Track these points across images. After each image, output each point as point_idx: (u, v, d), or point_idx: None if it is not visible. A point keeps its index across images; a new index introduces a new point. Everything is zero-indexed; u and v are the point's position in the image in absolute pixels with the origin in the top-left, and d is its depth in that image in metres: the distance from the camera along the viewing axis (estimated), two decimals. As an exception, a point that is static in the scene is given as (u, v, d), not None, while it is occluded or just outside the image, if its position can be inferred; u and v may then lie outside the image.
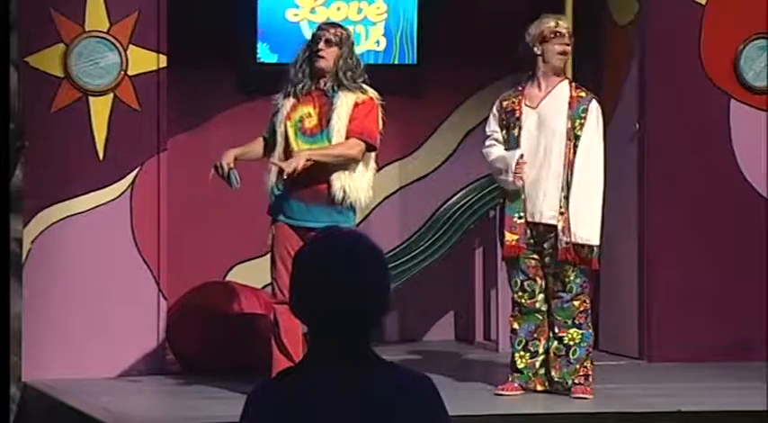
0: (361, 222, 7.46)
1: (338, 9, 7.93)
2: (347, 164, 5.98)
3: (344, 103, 5.96)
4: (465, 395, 6.18)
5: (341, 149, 5.96)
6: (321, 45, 5.97)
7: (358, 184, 6.00)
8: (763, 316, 7.30)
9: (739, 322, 7.31)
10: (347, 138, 5.98)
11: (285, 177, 5.89)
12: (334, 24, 6.24)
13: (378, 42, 7.97)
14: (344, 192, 5.95)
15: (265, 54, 7.72)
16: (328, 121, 5.97)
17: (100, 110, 6.99)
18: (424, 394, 2.49)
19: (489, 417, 5.84)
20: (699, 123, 7.34)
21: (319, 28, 6.16)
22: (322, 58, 5.96)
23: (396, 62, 7.98)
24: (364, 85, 6.04)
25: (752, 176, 7.44)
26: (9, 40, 3.88)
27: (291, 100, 6.03)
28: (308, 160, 5.88)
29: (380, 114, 6.05)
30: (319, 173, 5.99)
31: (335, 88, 5.96)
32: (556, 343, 6.25)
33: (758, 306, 7.33)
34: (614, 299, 7.38)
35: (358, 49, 8.06)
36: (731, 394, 6.38)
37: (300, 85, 6.00)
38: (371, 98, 6.02)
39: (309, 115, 6.00)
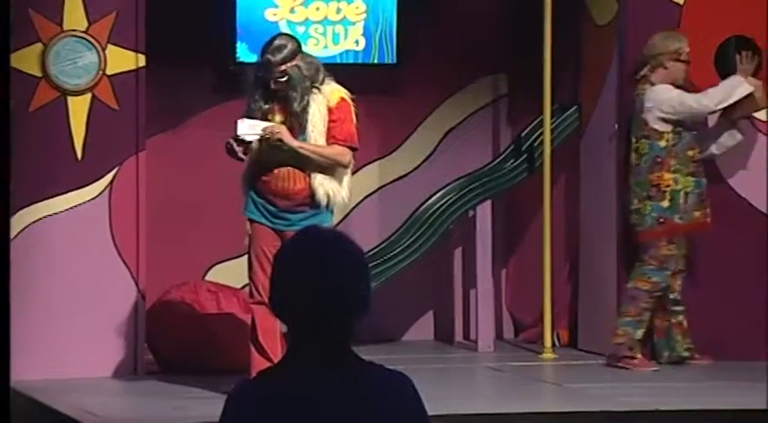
0: (340, 222, 7.45)
1: (317, 9, 7.92)
2: (327, 167, 5.98)
3: (317, 109, 5.95)
4: (444, 394, 6.18)
5: (333, 153, 5.96)
6: (273, 86, 5.94)
7: (339, 187, 6.00)
8: (736, 316, 7.33)
9: (714, 323, 7.33)
10: (330, 144, 5.97)
11: (264, 136, 5.87)
12: (276, 58, 5.91)
13: (357, 42, 7.97)
14: (328, 196, 5.96)
15: (244, 54, 7.71)
16: (303, 129, 5.96)
17: (78, 109, 6.96)
18: (403, 393, 2.49)
19: (468, 416, 5.84)
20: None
21: (264, 67, 5.94)
22: (278, 90, 5.93)
23: (375, 62, 7.98)
24: (330, 85, 6.00)
25: (730, 176, 7.47)
26: (9, 40, 3.87)
27: (261, 112, 6.01)
28: (300, 148, 5.89)
29: (354, 111, 6.04)
30: (297, 174, 5.98)
31: (302, 98, 5.94)
32: None
33: (731, 307, 7.36)
34: (594, 298, 7.39)
35: (337, 49, 8.09)
36: (708, 393, 6.40)
37: (266, 107, 5.98)
38: (343, 98, 6.01)
39: (282, 123, 5.99)
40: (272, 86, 5.94)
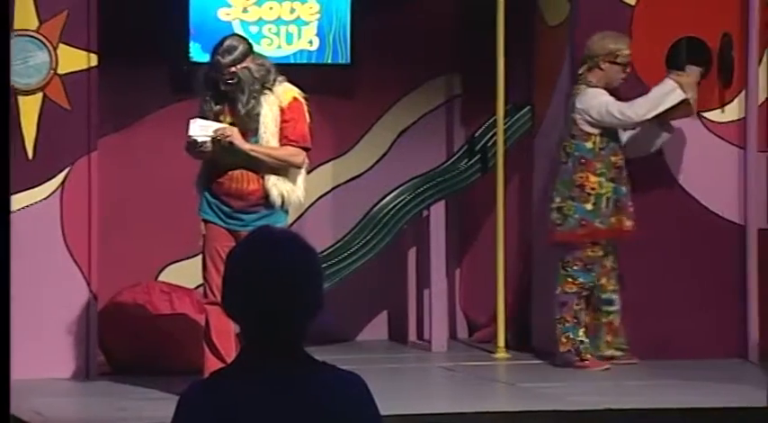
0: (294, 222, 7.44)
1: (270, 8, 7.91)
2: (280, 168, 5.97)
3: (268, 110, 5.94)
4: (397, 395, 6.19)
5: (285, 155, 5.95)
6: (223, 87, 5.92)
7: (293, 187, 6.00)
8: (685, 315, 7.39)
9: (665, 320, 7.39)
10: (283, 144, 5.96)
11: (213, 138, 5.85)
12: (226, 60, 5.90)
13: (311, 42, 7.96)
14: (282, 196, 5.95)
15: (197, 53, 7.67)
16: (256, 130, 5.95)
17: (29, 109, 6.91)
18: (356, 394, 2.49)
19: (422, 416, 5.85)
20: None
21: (214, 68, 5.92)
22: (228, 91, 5.91)
23: (329, 62, 7.98)
24: (283, 85, 5.99)
25: (682, 176, 7.52)
26: (9, 40, 3.83)
27: (212, 112, 5.99)
28: (251, 151, 5.87)
29: (306, 110, 6.03)
30: (251, 175, 5.97)
31: (253, 99, 5.92)
32: None
33: (687, 306, 7.42)
34: (547, 299, 7.42)
35: (291, 49, 8.07)
36: (657, 393, 6.45)
37: (217, 108, 5.96)
38: (295, 98, 6.00)
39: (234, 124, 5.97)
40: (222, 88, 5.93)
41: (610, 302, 7.18)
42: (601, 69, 7.11)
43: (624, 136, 7.25)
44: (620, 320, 7.20)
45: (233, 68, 5.89)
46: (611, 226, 7.09)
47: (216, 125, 5.93)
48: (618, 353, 7.16)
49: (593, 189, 7.07)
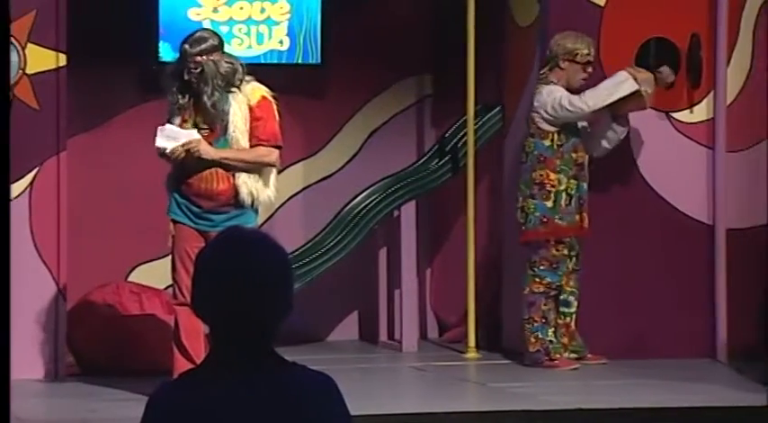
0: (264, 222, 7.43)
1: (241, 8, 7.89)
2: (254, 168, 5.96)
3: (237, 109, 5.92)
4: (367, 395, 6.19)
5: (257, 156, 5.94)
6: (186, 76, 5.90)
7: (263, 186, 5.98)
8: (654, 315, 7.42)
9: (638, 322, 7.42)
10: (254, 144, 5.94)
11: (180, 149, 5.83)
12: (193, 49, 5.91)
13: (281, 42, 7.95)
14: (252, 195, 5.94)
15: (167, 53, 7.65)
16: (225, 129, 5.93)
17: (-3, 109, 6.86)
18: (326, 394, 2.49)
19: (393, 416, 5.85)
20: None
21: (181, 57, 5.94)
22: (194, 82, 5.89)
23: (299, 62, 7.97)
24: (251, 84, 5.98)
25: (651, 177, 7.55)
26: (9, 39, 3.81)
27: (181, 115, 5.97)
28: (222, 158, 5.85)
29: (276, 109, 6.02)
30: (220, 174, 5.95)
31: (221, 97, 5.91)
32: None
33: (656, 306, 7.45)
34: (516, 299, 7.43)
35: (261, 49, 8.06)
36: (626, 392, 6.47)
37: (183, 101, 5.94)
38: (264, 97, 5.99)
39: (203, 122, 5.95)
40: (186, 77, 5.90)
41: (567, 304, 7.19)
42: (561, 68, 7.14)
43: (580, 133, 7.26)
44: (576, 323, 7.21)
45: (199, 58, 5.87)
46: (573, 223, 7.10)
47: (184, 136, 5.89)
48: (574, 355, 7.16)
49: (552, 186, 7.08)
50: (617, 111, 7.18)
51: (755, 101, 7.58)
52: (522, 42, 7.68)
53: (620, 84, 7.06)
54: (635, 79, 7.05)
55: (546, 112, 7.08)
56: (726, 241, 7.47)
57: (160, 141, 5.88)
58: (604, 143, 7.27)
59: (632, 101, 7.09)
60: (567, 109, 7.04)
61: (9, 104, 3.83)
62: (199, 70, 5.86)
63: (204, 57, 5.87)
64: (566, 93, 7.09)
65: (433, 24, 8.30)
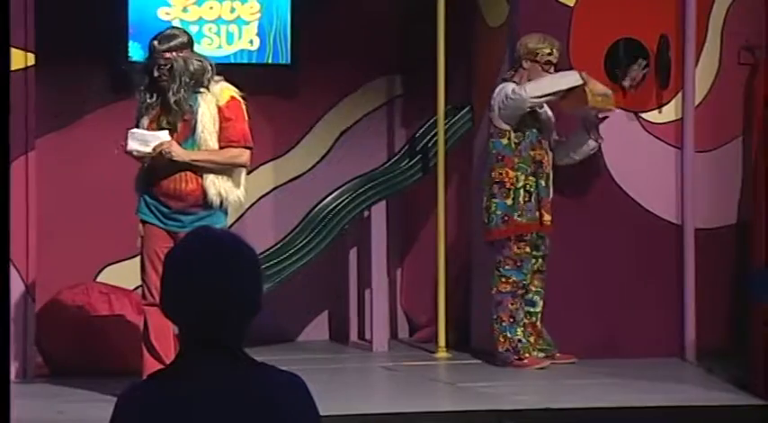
0: (234, 223, 7.42)
1: (210, 8, 7.88)
2: (225, 169, 5.95)
3: (206, 109, 5.91)
4: (338, 395, 6.19)
5: (228, 158, 5.92)
6: (155, 73, 5.88)
7: (232, 186, 5.97)
8: (623, 315, 7.45)
9: (607, 321, 7.45)
10: (224, 145, 5.92)
11: (151, 152, 5.82)
12: (162, 46, 5.89)
13: (251, 42, 7.94)
14: (221, 196, 5.92)
15: (137, 53, 7.63)
16: (193, 130, 5.91)
17: (-35, 108, 6.83)
18: (296, 395, 2.49)
19: (363, 416, 5.85)
20: (568, 122, 7.44)
21: (149, 53, 5.92)
22: (163, 79, 5.88)
23: (269, 62, 7.96)
24: (220, 84, 5.96)
25: (620, 176, 7.59)
26: (9, 39, 3.78)
27: (149, 114, 5.96)
28: (193, 160, 5.85)
29: (245, 109, 6.01)
30: (189, 175, 5.94)
31: (188, 97, 5.89)
32: None
33: (625, 306, 7.48)
34: (485, 299, 7.45)
35: (231, 48, 8.04)
36: (595, 391, 6.49)
37: (151, 100, 5.92)
38: (233, 97, 5.97)
39: (171, 123, 5.93)
40: (155, 73, 5.88)
41: (533, 304, 7.21)
42: (524, 68, 7.17)
43: (552, 141, 7.30)
44: (543, 322, 7.23)
45: (168, 55, 5.86)
46: (533, 220, 7.13)
47: (154, 139, 5.87)
48: (542, 354, 7.19)
49: (511, 184, 7.11)
50: (565, 107, 7.21)
51: (724, 101, 7.62)
52: (493, 43, 7.70)
53: (564, 76, 7.10)
54: (581, 75, 7.07)
55: (498, 108, 7.13)
56: (695, 241, 7.51)
57: (132, 145, 5.87)
58: (573, 155, 7.32)
59: (575, 95, 7.10)
60: (511, 98, 7.08)
61: (9, 104, 3.81)
62: (168, 67, 5.85)
63: (174, 53, 5.86)
64: (513, 84, 7.13)
65: (403, 25, 8.31)
